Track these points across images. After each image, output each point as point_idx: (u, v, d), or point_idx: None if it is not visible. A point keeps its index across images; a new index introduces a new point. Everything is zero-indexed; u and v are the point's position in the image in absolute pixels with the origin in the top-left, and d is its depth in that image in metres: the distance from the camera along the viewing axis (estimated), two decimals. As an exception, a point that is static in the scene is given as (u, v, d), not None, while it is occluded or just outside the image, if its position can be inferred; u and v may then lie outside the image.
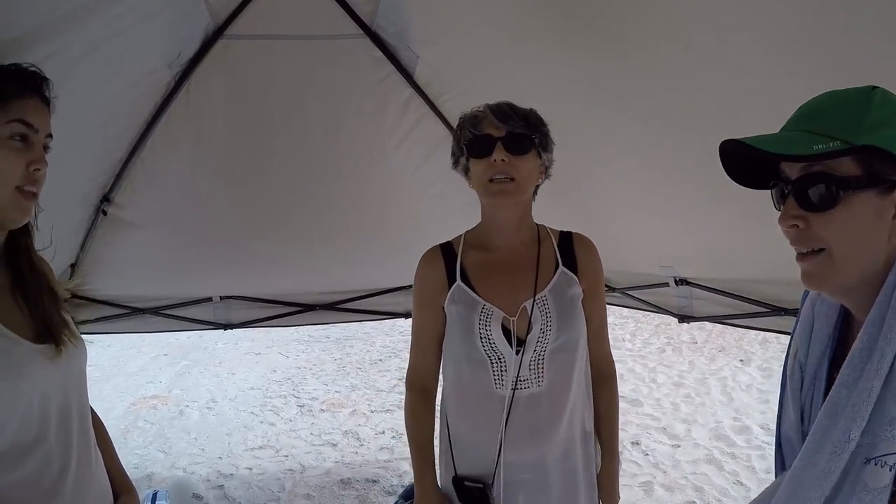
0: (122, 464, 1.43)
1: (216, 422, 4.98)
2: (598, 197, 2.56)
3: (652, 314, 4.78)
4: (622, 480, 3.52)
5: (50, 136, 1.15)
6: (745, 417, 4.47)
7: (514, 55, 1.90)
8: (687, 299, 2.84)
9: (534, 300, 1.40)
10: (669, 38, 1.42)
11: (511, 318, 1.39)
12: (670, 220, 2.31)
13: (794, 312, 2.27)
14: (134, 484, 1.41)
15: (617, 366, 1.62)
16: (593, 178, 2.40)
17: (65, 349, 1.14)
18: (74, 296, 3.37)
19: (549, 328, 1.39)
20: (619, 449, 1.62)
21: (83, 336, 1.27)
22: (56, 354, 1.11)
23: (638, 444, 4.14)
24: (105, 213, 2.89)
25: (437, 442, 1.56)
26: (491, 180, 1.34)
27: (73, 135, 2.21)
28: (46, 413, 1.08)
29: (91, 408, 1.38)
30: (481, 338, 1.39)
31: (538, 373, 1.39)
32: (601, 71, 1.72)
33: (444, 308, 1.46)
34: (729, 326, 2.82)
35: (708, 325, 6.59)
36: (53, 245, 2.76)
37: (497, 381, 1.39)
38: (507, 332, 1.39)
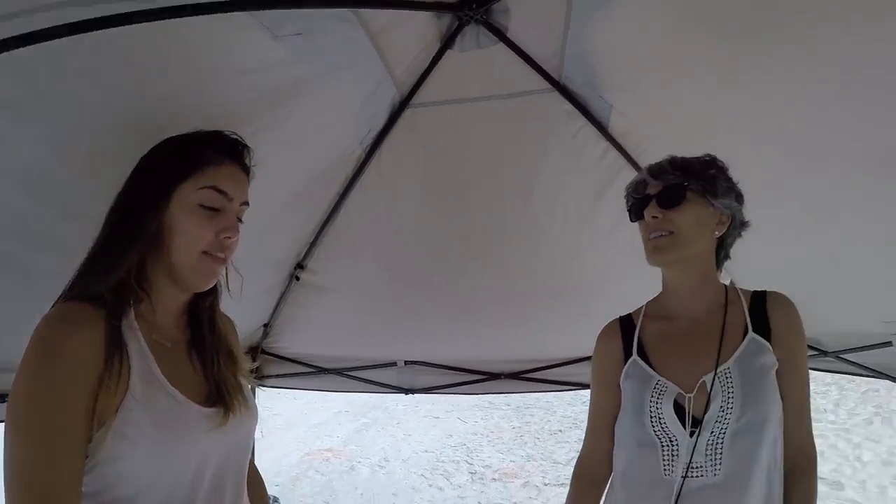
0: None
1: (385, 481, 5.00)
2: (806, 247, 2.22)
3: (858, 379, 4.10)
4: None
5: (246, 203, 1.15)
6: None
7: (719, 96, 1.70)
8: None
9: (715, 373, 1.20)
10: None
11: (687, 395, 1.20)
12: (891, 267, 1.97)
13: None
14: None
15: (817, 441, 1.28)
16: (803, 228, 2.08)
17: (233, 415, 1.10)
18: (264, 352, 3.61)
19: (730, 405, 1.18)
20: None
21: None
22: (223, 420, 1.07)
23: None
24: (298, 279, 3.07)
25: None
26: (650, 239, 1.26)
27: (270, 209, 2.37)
28: (201, 477, 1.04)
29: (257, 471, 1.36)
30: (651, 417, 1.21)
31: (715, 459, 1.17)
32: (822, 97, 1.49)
33: (620, 387, 1.32)
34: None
35: (923, 388, 5.52)
36: (248, 307, 2.96)
37: (666, 468, 1.19)
38: (681, 410, 1.20)
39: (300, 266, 2.98)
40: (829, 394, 6.41)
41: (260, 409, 3.94)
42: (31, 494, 0.86)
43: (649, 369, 1.26)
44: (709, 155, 1.30)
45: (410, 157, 2.26)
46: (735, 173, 1.34)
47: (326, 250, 2.78)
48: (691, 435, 1.18)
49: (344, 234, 2.64)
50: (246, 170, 1.16)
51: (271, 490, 4.28)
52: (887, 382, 2.55)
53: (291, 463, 5.42)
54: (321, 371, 3.62)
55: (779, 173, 1.86)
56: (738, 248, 1.38)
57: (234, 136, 1.16)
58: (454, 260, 2.69)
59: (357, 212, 2.52)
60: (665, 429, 1.20)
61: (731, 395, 1.18)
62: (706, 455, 1.17)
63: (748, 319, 1.25)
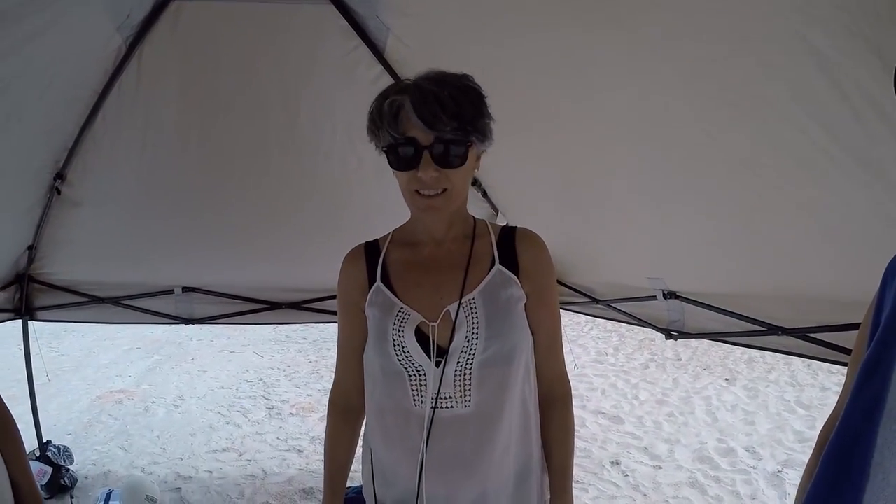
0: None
1: (181, 420, 4.78)
2: (579, 200, 2.39)
3: (636, 329, 4.61)
4: (600, 502, 3.37)
5: None
6: (729, 439, 4.27)
7: (498, 29, 1.71)
8: (678, 313, 2.66)
9: (459, 303, 1.17)
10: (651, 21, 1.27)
11: (430, 323, 1.17)
12: (659, 227, 2.13)
13: (792, 333, 2.12)
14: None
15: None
16: (574, 175, 2.22)
17: None
18: (32, 279, 3.23)
19: (475, 336, 1.15)
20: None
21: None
22: None
23: (617, 463, 3.93)
24: (59, 192, 2.74)
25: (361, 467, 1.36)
26: (418, 192, 1.11)
27: (22, 105, 2.05)
28: None
29: (5, 409, 1.20)
30: (395, 345, 1.17)
31: (464, 390, 1.16)
32: (592, 55, 1.55)
33: (365, 313, 1.25)
34: (714, 344, 2.64)
35: (693, 342, 6.46)
36: (8, 223, 2.60)
37: (416, 398, 1.17)
38: (425, 339, 1.17)
39: (60, 177, 2.65)
40: (610, 339, 7.09)
41: (45, 349, 3.52)
42: None
43: (392, 296, 1.20)
44: (470, 79, 1.12)
45: (172, 59, 2.07)
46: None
47: (85, 160, 2.49)
48: (437, 365, 1.15)
49: (102, 140, 2.37)
50: None
51: (63, 440, 3.90)
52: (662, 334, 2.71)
53: (82, 408, 4.95)
54: (95, 300, 3.34)
55: (552, 110, 1.87)
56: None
57: None
58: (221, 178, 2.53)
59: (116, 116, 2.26)
60: (409, 358, 1.16)
61: (475, 325, 1.15)
62: (455, 385, 1.15)
63: (496, 252, 1.22)
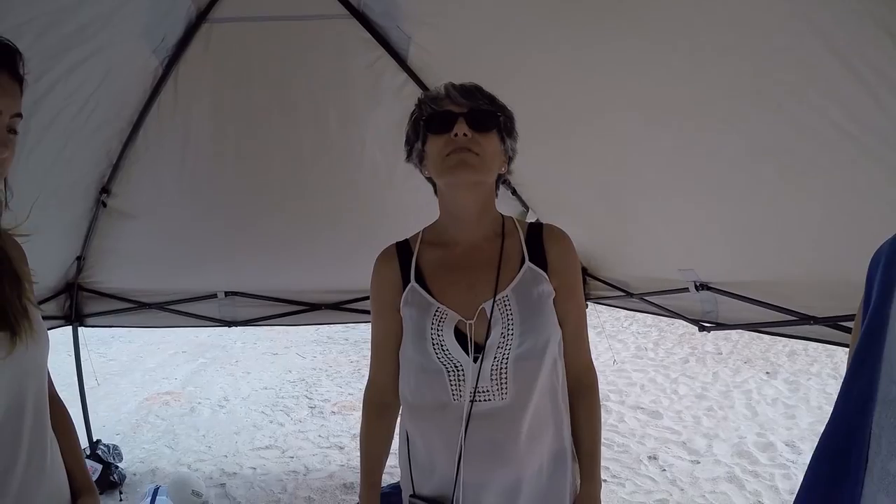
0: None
1: (226, 420, 4.94)
2: (607, 194, 2.40)
3: (676, 323, 4.55)
4: (636, 498, 3.38)
5: (18, 115, 1.03)
6: (769, 433, 4.21)
7: (517, 35, 1.75)
8: (712, 304, 2.65)
9: (493, 301, 1.23)
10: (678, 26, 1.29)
11: (467, 322, 1.22)
12: (688, 219, 2.15)
13: (824, 321, 2.10)
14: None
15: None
16: (601, 170, 2.24)
17: (20, 340, 1.03)
18: (82, 288, 3.39)
19: (510, 331, 1.21)
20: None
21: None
22: (10, 345, 1.01)
23: (655, 458, 3.92)
24: (105, 205, 2.88)
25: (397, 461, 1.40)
26: (450, 155, 1.18)
27: (71, 129, 2.18)
28: None
29: (60, 401, 1.29)
30: (434, 344, 1.23)
31: (501, 384, 1.21)
32: (611, 49, 1.58)
33: (400, 312, 1.31)
34: (756, 336, 2.62)
35: (734, 335, 6.35)
36: (58, 236, 2.75)
37: (454, 392, 1.23)
38: (462, 336, 1.22)
39: (105, 191, 2.79)
40: (649, 334, 7.03)
41: (93, 355, 3.67)
42: None
43: (428, 296, 1.25)
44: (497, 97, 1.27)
45: (207, 76, 2.18)
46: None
47: (130, 174, 2.62)
48: (475, 361, 1.19)
49: (145, 156, 2.49)
50: (17, 78, 1.04)
51: (112, 439, 4.08)
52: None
53: (130, 410, 5.15)
54: (142, 306, 3.48)
55: (589, 119, 1.93)
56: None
57: (5, 41, 1.02)
58: (258, 186, 2.64)
59: (156, 133, 2.38)
60: (448, 355, 1.21)
61: (510, 321, 1.20)
62: (491, 379, 1.20)
63: (525, 249, 1.27)
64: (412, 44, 2.00)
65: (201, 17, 2.00)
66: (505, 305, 1.22)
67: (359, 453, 1.44)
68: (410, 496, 1.30)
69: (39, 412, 1.09)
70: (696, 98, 1.52)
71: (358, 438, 1.46)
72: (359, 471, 1.43)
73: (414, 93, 2.18)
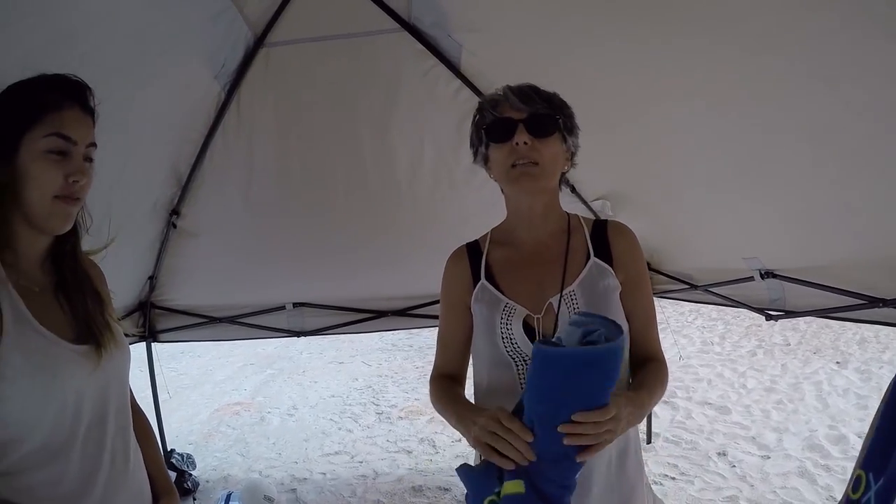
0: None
1: (295, 428, 5.08)
2: (668, 186, 2.39)
3: (742, 315, 4.40)
4: (705, 495, 3.30)
5: (93, 145, 1.15)
6: (841, 426, 4.04)
7: (565, 34, 1.77)
8: (779, 292, 2.59)
9: (560, 295, 1.26)
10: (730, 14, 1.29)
11: (535, 316, 1.26)
12: (750, 206, 2.12)
13: (893, 304, 2.02)
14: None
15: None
16: (660, 163, 2.23)
17: (105, 351, 1.13)
18: (154, 306, 3.57)
19: None
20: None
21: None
22: (96, 356, 1.11)
23: (724, 454, 3.82)
24: (175, 227, 3.03)
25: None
26: (513, 166, 1.23)
27: (140, 152, 2.31)
28: (80, 415, 1.08)
29: (140, 411, 1.39)
30: (503, 338, 1.27)
31: None
32: (661, 43, 1.58)
33: (470, 309, 1.36)
34: (825, 325, 2.54)
35: (801, 325, 6.10)
36: (132, 257, 2.91)
37: (522, 383, 1.26)
38: (531, 331, 1.26)
39: (175, 213, 2.94)
40: (715, 328, 6.81)
41: (165, 369, 3.84)
42: None
43: (497, 293, 1.30)
44: (554, 92, 1.29)
45: (268, 97, 2.27)
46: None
47: (197, 196, 2.75)
48: None
49: (212, 177, 2.62)
50: (90, 111, 1.15)
51: (185, 448, 4.27)
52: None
53: (202, 420, 5.36)
54: (212, 320, 3.63)
55: (645, 113, 1.93)
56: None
57: (75, 79, 1.14)
58: (322, 201, 2.73)
59: (222, 155, 2.50)
60: (517, 348, 1.25)
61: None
62: None
63: (590, 245, 1.30)
64: (463, 51, 2.05)
65: (258, 43, 2.10)
66: (571, 300, 1.25)
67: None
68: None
69: (122, 419, 1.20)
70: (751, 86, 1.51)
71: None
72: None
73: (469, 98, 2.25)
